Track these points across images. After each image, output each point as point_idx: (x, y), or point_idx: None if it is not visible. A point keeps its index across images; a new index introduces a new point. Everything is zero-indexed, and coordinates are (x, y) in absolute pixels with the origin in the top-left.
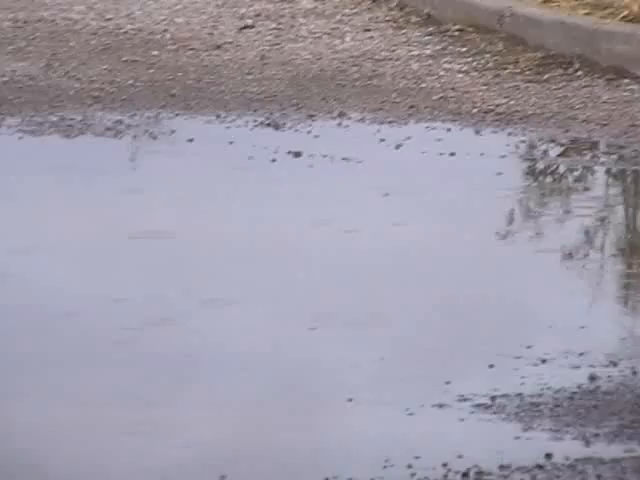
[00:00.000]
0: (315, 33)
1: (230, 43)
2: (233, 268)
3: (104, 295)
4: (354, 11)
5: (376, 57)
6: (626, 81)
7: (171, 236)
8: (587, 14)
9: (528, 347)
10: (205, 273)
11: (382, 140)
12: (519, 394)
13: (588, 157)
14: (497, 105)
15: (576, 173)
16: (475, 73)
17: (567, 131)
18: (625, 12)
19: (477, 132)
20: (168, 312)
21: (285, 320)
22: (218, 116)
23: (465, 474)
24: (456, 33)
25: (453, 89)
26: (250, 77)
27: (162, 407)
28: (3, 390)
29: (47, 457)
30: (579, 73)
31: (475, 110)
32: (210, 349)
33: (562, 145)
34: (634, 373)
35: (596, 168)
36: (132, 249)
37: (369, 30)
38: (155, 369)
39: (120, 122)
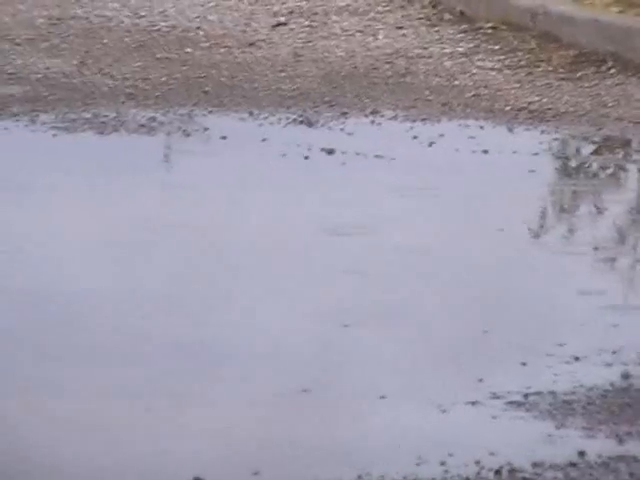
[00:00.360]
0: (348, 31)
1: (263, 40)
2: (262, 264)
3: (134, 287)
4: (387, 9)
5: (409, 55)
6: None
7: (202, 232)
8: (620, 12)
9: (560, 345)
10: (235, 268)
11: (415, 137)
12: (552, 392)
13: (621, 155)
14: (530, 103)
15: (609, 171)
16: (508, 71)
17: (600, 129)
18: None
19: (510, 130)
20: (199, 306)
21: (316, 317)
22: (251, 113)
23: (498, 471)
24: (489, 31)
25: (486, 87)
26: (283, 74)
27: (193, 402)
28: (24, 381)
29: (72, 451)
30: (612, 71)
31: (508, 108)
32: (241, 345)
33: (595, 143)
34: None
35: (629, 166)
36: (163, 244)
37: (402, 28)
38: (186, 364)
39: (153, 119)
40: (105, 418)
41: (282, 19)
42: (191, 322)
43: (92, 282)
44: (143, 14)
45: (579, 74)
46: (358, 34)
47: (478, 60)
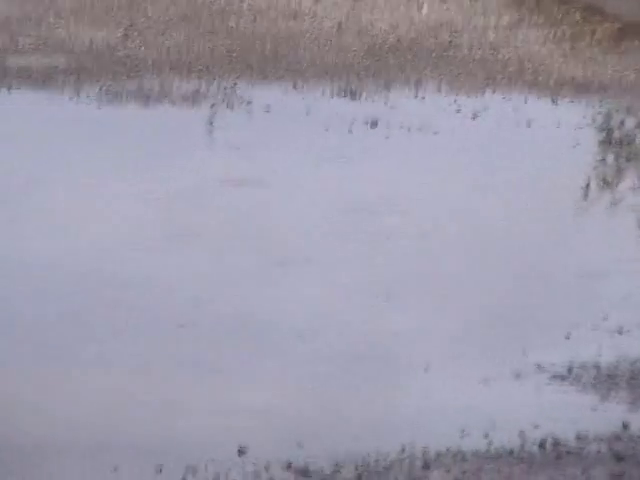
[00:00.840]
0: (392, 3)
1: (307, 13)
2: (305, 237)
3: (182, 260)
4: None
5: (452, 27)
6: None
7: (242, 206)
8: None
9: (604, 318)
10: (281, 239)
11: (458, 111)
12: (596, 365)
13: None
14: (574, 76)
15: None
16: (552, 44)
17: None
18: None
19: (554, 103)
20: (243, 275)
21: (361, 289)
22: (295, 86)
23: (541, 444)
24: (533, 3)
25: (530, 60)
26: (326, 47)
27: (237, 376)
28: (74, 357)
29: (121, 422)
30: None
31: (552, 81)
32: (286, 316)
33: (639, 116)
34: None
35: None
36: (204, 220)
37: (445, 0)
38: (229, 336)
39: (197, 91)
40: (152, 391)
41: None
42: (236, 291)
43: (141, 253)
44: None
45: (623, 47)
46: (402, 7)
47: (522, 33)
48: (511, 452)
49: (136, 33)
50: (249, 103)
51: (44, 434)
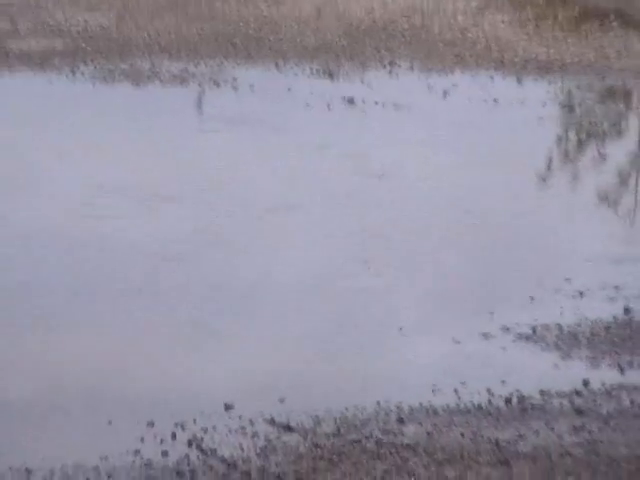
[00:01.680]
0: None
1: None
2: (284, 210)
3: (167, 229)
4: None
5: (424, 10)
6: None
7: (230, 169)
8: None
9: (567, 280)
10: (256, 220)
11: (430, 88)
12: (558, 325)
13: (622, 104)
14: (537, 55)
15: (611, 119)
16: (517, 25)
17: (603, 79)
18: None
19: (519, 80)
20: (218, 246)
21: (340, 255)
22: (277, 65)
23: (508, 399)
24: None
25: (496, 40)
26: (306, 28)
27: (224, 334)
28: (78, 317)
29: (114, 378)
30: (614, 25)
31: (517, 59)
32: (271, 280)
33: (598, 92)
34: None
35: (630, 114)
36: (193, 187)
37: None
38: (217, 297)
39: (186, 70)
40: (145, 350)
41: None
42: (223, 261)
43: (129, 222)
44: None
45: (583, 28)
46: None
47: (489, 14)
48: (479, 407)
49: (128, 15)
50: (234, 81)
51: (43, 391)
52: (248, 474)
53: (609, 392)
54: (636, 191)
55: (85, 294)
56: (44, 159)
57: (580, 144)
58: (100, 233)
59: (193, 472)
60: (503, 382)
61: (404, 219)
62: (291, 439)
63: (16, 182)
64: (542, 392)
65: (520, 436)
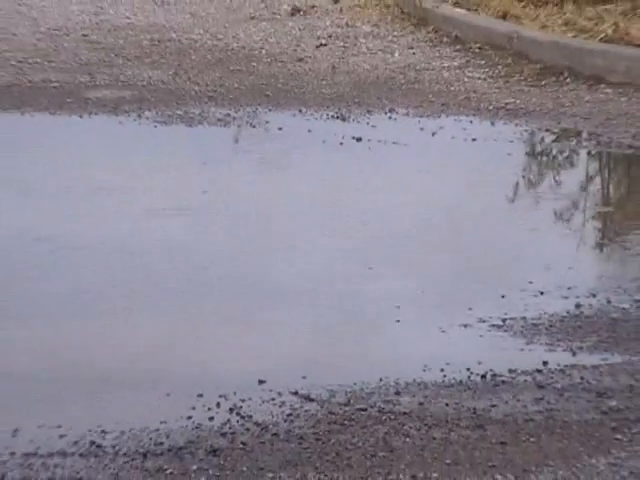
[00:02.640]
0: (372, 50)
1: (309, 57)
2: (303, 221)
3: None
4: (401, 34)
5: (417, 68)
6: (602, 86)
7: (260, 196)
8: (574, 36)
9: (530, 282)
10: (281, 231)
11: (422, 129)
12: (523, 317)
13: (574, 142)
14: (507, 103)
15: (565, 154)
16: (491, 80)
17: (559, 123)
18: (602, 35)
19: (492, 123)
20: (249, 253)
21: (348, 261)
22: (300, 111)
23: (483, 375)
24: (477, 50)
25: (474, 91)
26: (324, 82)
27: (256, 325)
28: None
29: (154, 363)
30: (568, 80)
31: (491, 107)
32: (287, 283)
33: (555, 133)
34: (608, 302)
35: (580, 150)
36: (232, 207)
37: (412, 48)
38: (238, 296)
39: (228, 115)
40: (195, 335)
41: (323, 41)
42: (253, 265)
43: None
44: (220, 37)
45: (543, 82)
46: (380, 52)
47: (468, 72)
48: (460, 382)
49: (183, 72)
50: (266, 123)
51: (106, 368)
52: (277, 435)
53: (563, 370)
54: (584, 211)
55: (147, 291)
56: (116, 180)
57: (540, 173)
58: (161, 247)
59: (233, 433)
60: (479, 362)
61: (398, 234)
62: (311, 407)
63: (91, 198)
64: (510, 370)
65: (493, 405)
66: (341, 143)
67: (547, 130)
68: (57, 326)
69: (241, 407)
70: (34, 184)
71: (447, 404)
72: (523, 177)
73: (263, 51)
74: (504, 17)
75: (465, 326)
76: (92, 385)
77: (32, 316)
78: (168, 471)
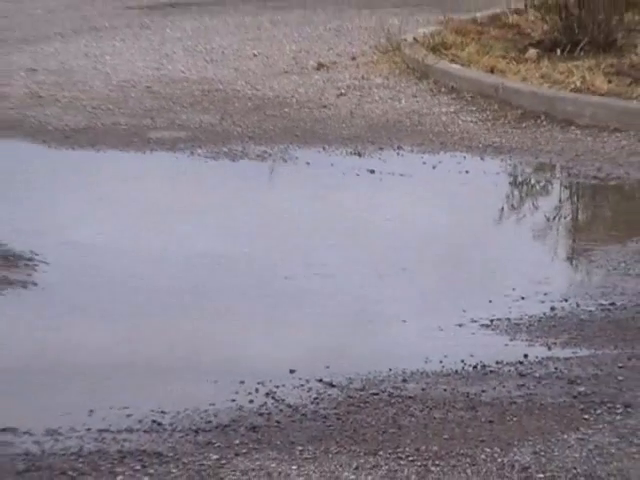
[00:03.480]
0: (383, 98)
1: (331, 104)
2: (327, 234)
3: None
4: (407, 85)
5: (420, 113)
6: (573, 128)
7: (292, 215)
8: (549, 87)
9: (513, 289)
10: (307, 245)
11: (424, 163)
12: (507, 318)
13: (549, 174)
14: (494, 142)
15: (542, 183)
16: (480, 123)
17: (536, 158)
18: (572, 86)
19: (481, 158)
20: (279, 262)
21: (363, 269)
22: (324, 148)
23: (475, 366)
24: (469, 98)
25: (467, 132)
26: (343, 125)
27: (278, 324)
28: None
29: (195, 354)
30: (544, 123)
31: (480, 145)
32: (306, 290)
33: (533, 166)
34: (577, 306)
35: (554, 181)
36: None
37: (416, 96)
38: (273, 300)
39: (265, 152)
40: (230, 334)
41: (343, 91)
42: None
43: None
44: (258, 88)
45: (524, 124)
46: (389, 100)
47: (462, 116)
48: (456, 371)
49: (228, 116)
50: (296, 159)
51: (167, 360)
52: (305, 415)
53: (541, 362)
54: (557, 232)
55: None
56: (176, 203)
57: (521, 199)
58: (206, 258)
59: (269, 413)
60: (471, 355)
61: (403, 244)
62: (333, 392)
63: (165, 217)
64: (497, 362)
65: (483, 391)
66: (357, 174)
67: (527, 164)
68: (118, 323)
69: (275, 392)
70: (116, 203)
71: (445, 389)
72: (507, 202)
73: (293, 99)
74: (492, 71)
75: (460, 325)
76: (154, 374)
77: (113, 312)
78: (216, 445)
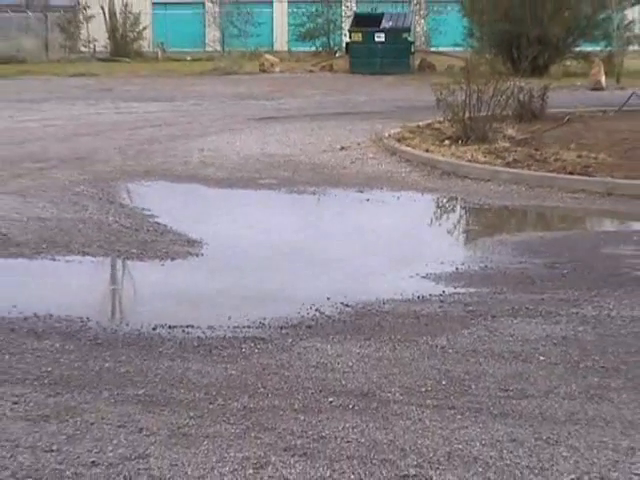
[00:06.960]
0: (373, 164)
1: (347, 167)
2: (340, 234)
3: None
4: (385, 158)
5: (392, 172)
6: (467, 179)
7: (328, 221)
8: (455, 159)
9: (437, 259)
10: (332, 235)
11: (393, 196)
12: (434, 273)
13: (455, 202)
14: (428, 186)
15: (451, 207)
16: (421, 177)
17: (449, 194)
18: (466, 158)
19: (422, 194)
20: (311, 247)
21: (360, 249)
22: (344, 189)
23: (419, 297)
24: (416, 164)
25: (415, 181)
26: (353, 177)
27: (315, 275)
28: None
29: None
30: (452, 177)
31: (422, 187)
32: (333, 259)
33: (447, 198)
34: (469, 267)
35: (457, 205)
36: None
37: (390, 164)
38: (307, 262)
39: (314, 190)
40: (297, 280)
41: (353, 160)
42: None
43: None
44: (311, 159)
45: (443, 178)
46: (376, 165)
47: (413, 174)
48: (409, 299)
49: (297, 173)
50: (329, 194)
51: (269, 292)
52: (334, 320)
53: (451, 295)
54: (459, 231)
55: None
56: (272, 219)
57: (441, 214)
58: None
59: (316, 319)
60: (417, 291)
61: (381, 234)
62: (348, 309)
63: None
64: (430, 294)
65: (422, 309)
66: (360, 201)
67: (443, 197)
68: (250, 273)
69: (319, 308)
70: (243, 215)
71: (404, 309)
72: (434, 215)
73: (329, 164)
74: (427, 151)
75: (411, 277)
76: (261, 300)
77: (247, 268)
78: (290, 334)
